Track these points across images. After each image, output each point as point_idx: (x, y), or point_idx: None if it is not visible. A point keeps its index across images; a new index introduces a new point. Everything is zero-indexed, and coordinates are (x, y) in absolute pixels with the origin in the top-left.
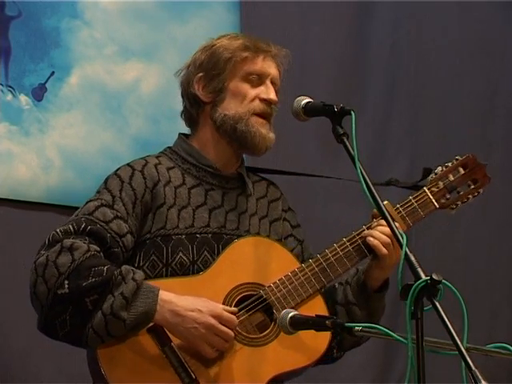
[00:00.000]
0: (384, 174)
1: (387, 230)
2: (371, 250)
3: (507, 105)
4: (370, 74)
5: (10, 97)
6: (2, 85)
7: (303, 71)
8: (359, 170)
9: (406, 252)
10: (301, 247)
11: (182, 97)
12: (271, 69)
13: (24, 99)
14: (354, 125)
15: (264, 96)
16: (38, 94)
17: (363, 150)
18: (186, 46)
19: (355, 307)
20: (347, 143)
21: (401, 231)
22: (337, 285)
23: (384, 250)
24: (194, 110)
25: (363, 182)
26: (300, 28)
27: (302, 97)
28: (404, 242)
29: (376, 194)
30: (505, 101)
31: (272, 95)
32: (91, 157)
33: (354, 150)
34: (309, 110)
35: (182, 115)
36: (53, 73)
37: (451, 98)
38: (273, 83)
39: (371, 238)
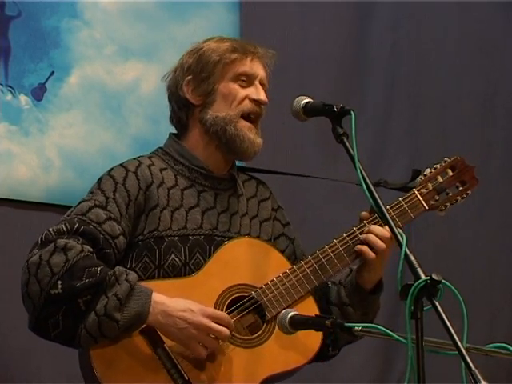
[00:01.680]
0: (384, 173)
1: (380, 232)
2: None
3: (507, 105)
4: (370, 74)
5: (9, 97)
6: (1, 85)
7: (303, 71)
8: (359, 170)
9: (405, 252)
10: (292, 246)
11: (170, 101)
12: (259, 70)
13: (24, 99)
14: (353, 125)
15: (254, 97)
16: (38, 93)
17: (363, 150)
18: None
19: (349, 308)
20: (347, 143)
21: (400, 231)
22: (330, 284)
23: (372, 255)
24: (183, 113)
25: (363, 182)
26: (300, 28)
27: (302, 97)
28: (404, 242)
29: (376, 195)
30: (505, 101)
31: (262, 96)
32: (91, 157)
33: (353, 150)
34: (309, 110)
35: (170, 120)
36: (53, 73)
37: (451, 98)
38: (262, 84)
39: (360, 246)
